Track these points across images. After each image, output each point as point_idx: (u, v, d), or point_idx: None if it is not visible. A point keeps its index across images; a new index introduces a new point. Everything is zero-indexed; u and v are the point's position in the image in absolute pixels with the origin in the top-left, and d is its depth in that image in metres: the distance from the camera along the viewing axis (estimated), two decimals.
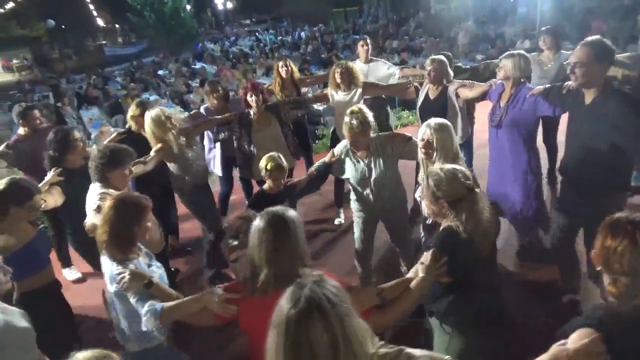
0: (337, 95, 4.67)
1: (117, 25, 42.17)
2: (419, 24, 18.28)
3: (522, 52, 3.59)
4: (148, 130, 3.81)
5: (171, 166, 3.97)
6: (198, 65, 16.31)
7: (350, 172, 3.37)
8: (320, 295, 1.20)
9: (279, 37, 22.42)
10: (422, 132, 2.80)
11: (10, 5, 32.33)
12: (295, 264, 1.76)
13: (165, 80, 14.88)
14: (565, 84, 3.05)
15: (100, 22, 42.37)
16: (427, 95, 4.32)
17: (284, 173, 3.30)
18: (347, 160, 3.36)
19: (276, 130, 4.40)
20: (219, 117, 4.48)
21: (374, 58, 5.56)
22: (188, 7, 22.04)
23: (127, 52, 26.25)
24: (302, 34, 21.63)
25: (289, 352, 1.16)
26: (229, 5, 38.48)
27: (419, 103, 4.40)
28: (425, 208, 2.25)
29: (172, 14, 20.45)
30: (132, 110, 4.24)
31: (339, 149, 3.43)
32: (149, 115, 3.79)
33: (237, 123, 4.37)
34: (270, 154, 3.33)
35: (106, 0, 31.73)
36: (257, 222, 1.80)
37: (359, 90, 4.63)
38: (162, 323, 1.98)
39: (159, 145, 3.77)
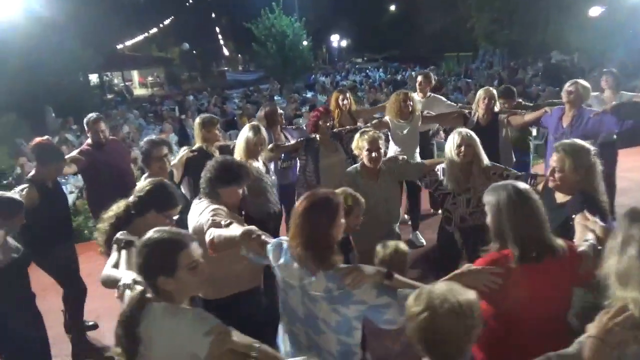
0: (397, 124, 4.68)
1: (239, 55, 45.93)
2: (537, 72, 17.58)
3: (582, 81, 4.31)
4: (238, 142, 3.84)
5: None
6: (309, 94, 17.18)
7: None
8: None
9: (388, 75, 22.81)
10: (456, 140, 3.13)
11: (154, 30, 36.61)
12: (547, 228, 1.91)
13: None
14: None
15: (225, 51, 46.48)
16: (478, 122, 4.62)
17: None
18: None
19: (342, 158, 4.19)
20: (289, 144, 4.33)
21: (434, 94, 5.66)
22: (305, 42, 23.39)
23: (246, 79, 28.39)
24: (413, 73, 21.83)
25: None
26: (344, 43, 40.16)
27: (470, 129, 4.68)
28: (553, 181, 2.45)
29: (292, 45, 21.84)
30: (196, 128, 4.18)
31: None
32: (246, 129, 3.83)
33: (304, 149, 4.20)
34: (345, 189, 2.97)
35: (234, 32, 34.71)
36: (499, 198, 1.91)
37: (418, 120, 4.71)
38: None
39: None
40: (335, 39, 37.72)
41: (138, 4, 29.90)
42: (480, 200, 2.16)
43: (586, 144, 2.47)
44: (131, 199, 2.54)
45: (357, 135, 3.41)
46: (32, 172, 3.80)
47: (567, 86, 4.28)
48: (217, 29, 43.29)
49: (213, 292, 2.70)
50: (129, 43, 34.65)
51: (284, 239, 2.05)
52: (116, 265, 2.25)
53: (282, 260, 1.97)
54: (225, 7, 36.69)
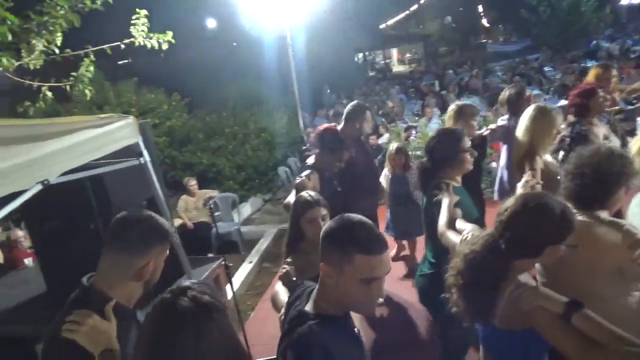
0: None
1: (500, 25, 42.95)
2: None
3: None
4: (523, 127, 3.11)
5: None
6: (589, 63, 14.77)
7: None
8: None
9: None
10: None
11: (414, 7, 37.20)
12: None
13: (549, 77, 14.15)
14: None
15: (484, 21, 44.09)
16: None
17: None
18: None
19: None
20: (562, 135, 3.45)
21: None
22: (587, 3, 20.08)
23: (508, 50, 26.26)
24: None
25: None
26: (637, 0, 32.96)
27: None
28: None
29: (570, 8, 19.05)
30: (451, 116, 3.58)
31: None
32: (530, 109, 3.08)
33: (569, 137, 3.36)
34: None
35: (496, 0, 32.46)
36: None
37: None
38: None
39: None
40: None
41: None
42: None
43: None
44: (493, 230, 1.78)
45: None
46: (312, 159, 3.61)
47: None
48: None
49: None
50: (390, 22, 36.18)
51: None
52: None
53: None
54: None
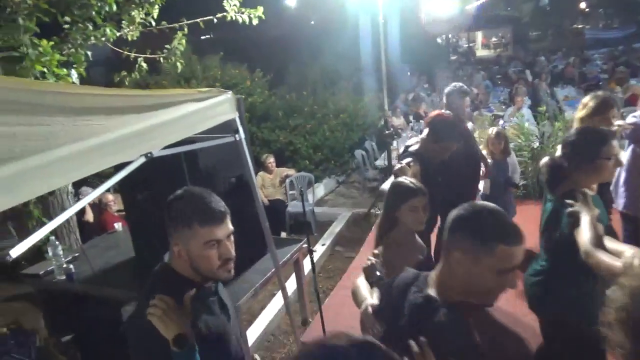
0: None
1: (600, 10, 39.39)
2: None
3: None
4: None
5: None
6: None
7: None
8: None
9: None
10: None
11: None
12: None
13: None
14: None
15: (582, 5, 40.62)
16: None
17: None
18: None
19: None
20: None
21: None
22: None
23: (610, 37, 24.05)
24: None
25: None
26: None
27: None
28: None
29: None
30: (585, 110, 3.11)
31: None
32: None
33: None
34: None
35: None
36: None
37: None
38: None
39: None
40: None
41: None
42: None
43: None
44: None
45: None
46: (416, 145, 3.34)
47: None
48: None
49: None
50: (477, 3, 34.32)
51: None
52: None
53: None
54: None
